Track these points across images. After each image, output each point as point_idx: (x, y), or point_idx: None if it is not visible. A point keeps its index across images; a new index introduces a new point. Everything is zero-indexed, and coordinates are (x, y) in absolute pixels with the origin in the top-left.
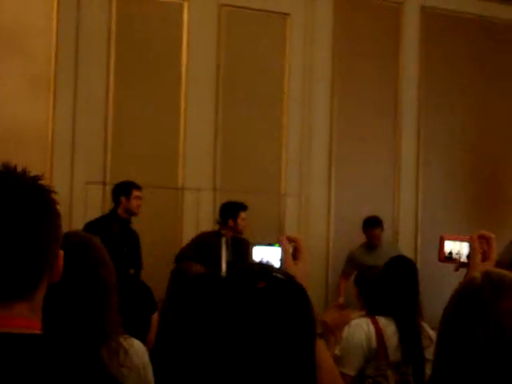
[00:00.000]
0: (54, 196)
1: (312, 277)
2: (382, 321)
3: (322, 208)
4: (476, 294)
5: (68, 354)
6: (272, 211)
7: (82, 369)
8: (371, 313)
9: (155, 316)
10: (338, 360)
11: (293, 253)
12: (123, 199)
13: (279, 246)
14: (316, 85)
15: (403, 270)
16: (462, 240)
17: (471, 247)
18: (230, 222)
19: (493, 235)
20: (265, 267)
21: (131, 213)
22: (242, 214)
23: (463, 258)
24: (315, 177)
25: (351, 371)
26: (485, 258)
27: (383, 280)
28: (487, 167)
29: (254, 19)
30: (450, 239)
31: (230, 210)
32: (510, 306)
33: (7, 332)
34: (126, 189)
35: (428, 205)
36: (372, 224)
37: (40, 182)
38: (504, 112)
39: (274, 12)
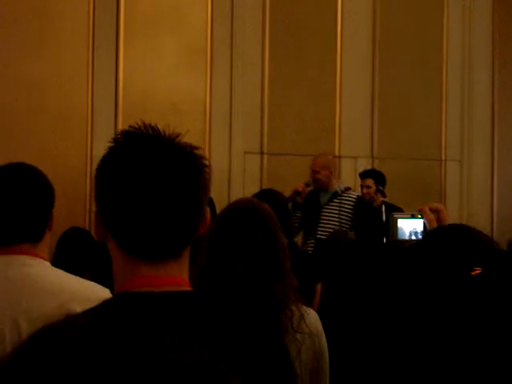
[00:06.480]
0: (201, 155)
1: None
2: None
3: (484, 174)
4: None
5: (227, 311)
6: (432, 178)
7: (241, 325)
8: None
9: (319, 285)
10: None
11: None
12: None
13: (421, 217)
14: (476, 46)
15: None
16: None
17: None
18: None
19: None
20: (478, 246)
21: None
22: (361, 181)
23: None
24: (477, 141)
25: None
26: None
27: None
28: None
29: None
30: None
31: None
32: None
33: (168, 291)
34: None
35: None
36: None
37: (186, 143)
38: None
39: None
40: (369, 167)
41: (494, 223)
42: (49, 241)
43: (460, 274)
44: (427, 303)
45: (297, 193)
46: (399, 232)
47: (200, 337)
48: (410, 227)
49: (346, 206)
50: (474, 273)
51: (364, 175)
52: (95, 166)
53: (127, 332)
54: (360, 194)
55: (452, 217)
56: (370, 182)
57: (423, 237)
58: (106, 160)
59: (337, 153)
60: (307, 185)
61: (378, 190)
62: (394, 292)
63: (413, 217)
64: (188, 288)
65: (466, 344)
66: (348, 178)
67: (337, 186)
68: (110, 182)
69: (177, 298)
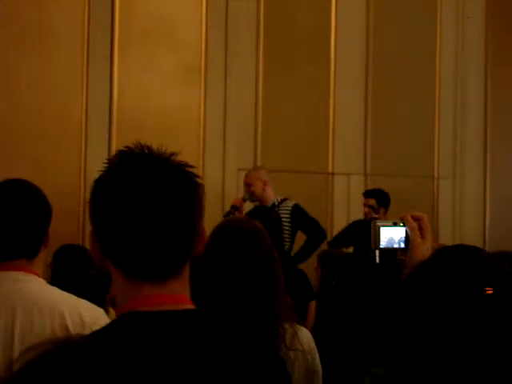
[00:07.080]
0: (195, 173)
1: None
2: None
3: (477, 191)
4: None
5: (227, 328)
6: (425, 195)
7: (240, 342)
8: None
9: (313, 303)
10: None
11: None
12: None
13: (403, 225)
14: (469, 61)
15: None
16: None
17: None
18: None
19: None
20: (490, 264)
21: None
22: (364, 201)
23: None
24: (470, 158)
25: None
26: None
27: None
28: None
29: None
30: None
31: None
32: None
33: (171, 310)
34: None
35: None
36: None
37: (180, 161)
38: None
39: None
40: (361, 184)
41: (486, 240)
42: (44, 258)
43: (472, 293)
44: (438, 323)
45: (234, 208)
46: (388, 241)
47: (199, 357)
48: (396, 236)
49: (283, 217)
50: (485, 293)
51: (367, 194)
52: (88, 180)
53: (125, 355)
54: (296, 202)
55: (445, 234)
56: (372, 201)
57: (432, 256)
58: (100, 182)
59: (330, 170)
60: (244, 199)
61: (370, 207)
62: (402, 311)
63: (395, 225)
64: (190, 306)
65: (478, 365)
66: (341, 195)
67: (274, 198)
68: (106, 204)
69: (179, 316)
